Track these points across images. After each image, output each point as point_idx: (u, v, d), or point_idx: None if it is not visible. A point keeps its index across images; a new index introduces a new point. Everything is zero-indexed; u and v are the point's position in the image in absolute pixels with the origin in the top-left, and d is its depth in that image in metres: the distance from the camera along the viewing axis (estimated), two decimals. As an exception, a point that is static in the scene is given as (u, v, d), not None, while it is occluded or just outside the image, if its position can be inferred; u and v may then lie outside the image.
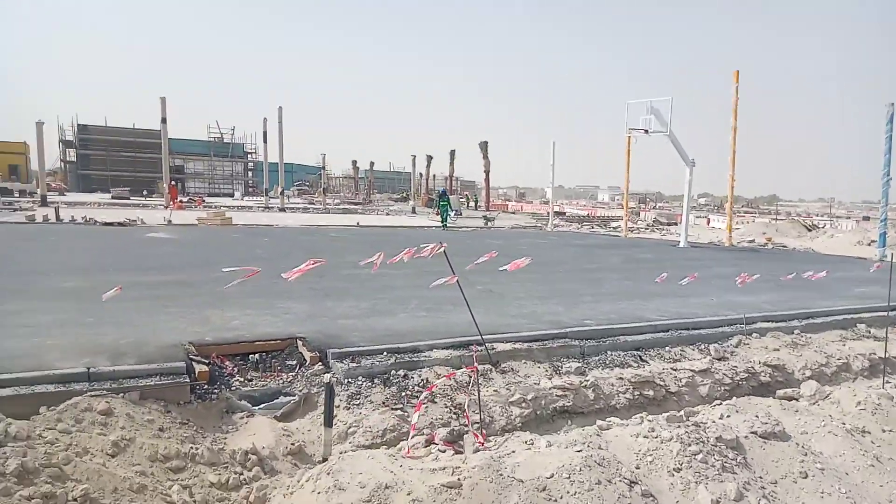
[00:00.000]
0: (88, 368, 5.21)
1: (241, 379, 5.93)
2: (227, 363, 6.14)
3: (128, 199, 44.84)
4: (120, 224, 23.04)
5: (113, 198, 45.42)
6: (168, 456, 4.41)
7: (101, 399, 4.75)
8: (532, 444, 4.21)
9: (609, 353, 7.58)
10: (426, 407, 5.60)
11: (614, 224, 38.37)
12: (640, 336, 8.13)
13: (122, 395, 4.95)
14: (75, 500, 3.57)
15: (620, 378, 6.87)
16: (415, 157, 58.86)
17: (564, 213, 51.25)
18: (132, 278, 10.45)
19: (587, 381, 6.61)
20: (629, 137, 25.15)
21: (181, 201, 40.38)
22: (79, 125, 61.29)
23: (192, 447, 4.62)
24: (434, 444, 4.57)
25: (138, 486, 3.95)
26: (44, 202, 31.90)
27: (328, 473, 3.30)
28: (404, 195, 67.79)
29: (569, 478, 3.44)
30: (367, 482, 3.15)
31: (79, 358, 5.53)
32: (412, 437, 4.63)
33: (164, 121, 36.73)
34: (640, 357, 7.62)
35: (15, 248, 15.36)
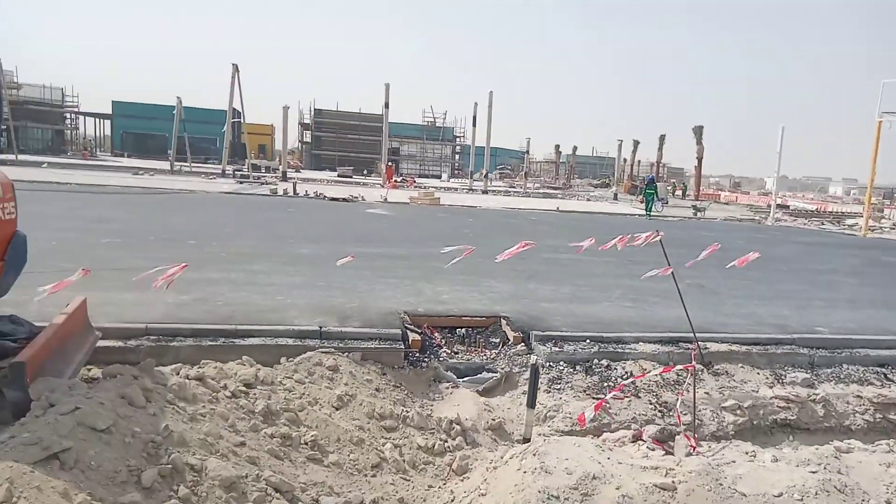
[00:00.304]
0: (320, 327, 5.83)
1: (448, 351, 6.22)
2: (435, 334, 6.47)
3: (350, 177, 49.27)
4: (344, 200, 25.42)
5: (338, 176, 50.24)
6: (383, 415, 4.78)
7: (329, 356, 5.29)
8: (755, 456, 3.83)
9: (845, 366, 6.65)
10: (629, 401, 5.39)
11: (850, 221, 33.43)
12: (886, 351, 7.02)
13: (346, 354, 5.46)
14: (306, 443, 4.02)
15: (858, 396, 6.00)
16: (621, 142, 56.67)
17: (788, 207, 45.87)
18: (355, 249, 11.45)
19: (816, 394, 5.87)
20: (880, 122, 21.65)
21: (396, 181, 43.36)
22: (315, 109, 68.53)
23: (403, 410, 4.96)
24: (642, 440, 4.39)
25: (357, 439, 4.33)
26: (284, 178, 36.31)
27: (534, 455, 3.33)
28: (606, 181, 65.74)
29: (801, 500, 3.07)
30: (573, 469, 3.12)
31: (312, 317, 6.21)
32: (616, 430, 4.49)
33: (386, 105, 39.58)
34: (886, 375, 6.58)
35: (263, 217, 17.70)
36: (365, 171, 58.46)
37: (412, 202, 27.23)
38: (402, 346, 5.86)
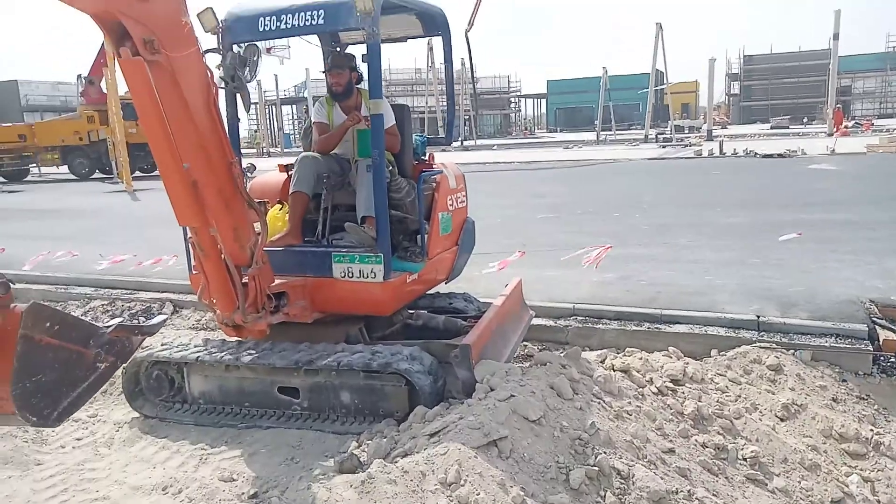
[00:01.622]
0: (758, 317, 5.08)
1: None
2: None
3: (787, 128, 43.49)
4: (779, 155, 22.44)
5: (771, 128, 44.90)
6: (844, 435, 3.87)
7: (770, 352, 4.55)
8: None
9: None
10: None
11: None
12: None
13: (792, 351, 4.62)
14: (744, 459, 3.49)
15: None
16: None
17: None
18: (793, 216, 9.89)
19: None
20: None
21: (846, 127, 36.38)
22: (745, 57, 62.55)
23: (873, 431, 3.93)
24: None
25: (810, 462, 3.58)
26: (709, 136, 34.19)
27: None
28: None
29: None
30: None
31: (747, 303, 5.48)
32: None
33: (835, 37, 33.31)
34: None
35: (686, 181, 16.90)
36: (805, 119, 50.84)
37: (870, 151, 22.38)
38: (869, 347, 4.68)
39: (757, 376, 4.37)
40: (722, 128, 49.14)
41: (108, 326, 2.58)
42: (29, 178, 28.54)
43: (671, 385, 3.99)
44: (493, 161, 26.45)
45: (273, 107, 56.46)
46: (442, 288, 5.04)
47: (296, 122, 62.37)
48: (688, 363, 4.32)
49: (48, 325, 2.25)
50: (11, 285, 2.24)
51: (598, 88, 42.29)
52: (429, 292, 4.85)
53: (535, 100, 75.53)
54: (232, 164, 3.41)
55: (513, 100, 70.64)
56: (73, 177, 27.14)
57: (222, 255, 3.47)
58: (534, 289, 5.68)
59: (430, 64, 46.06)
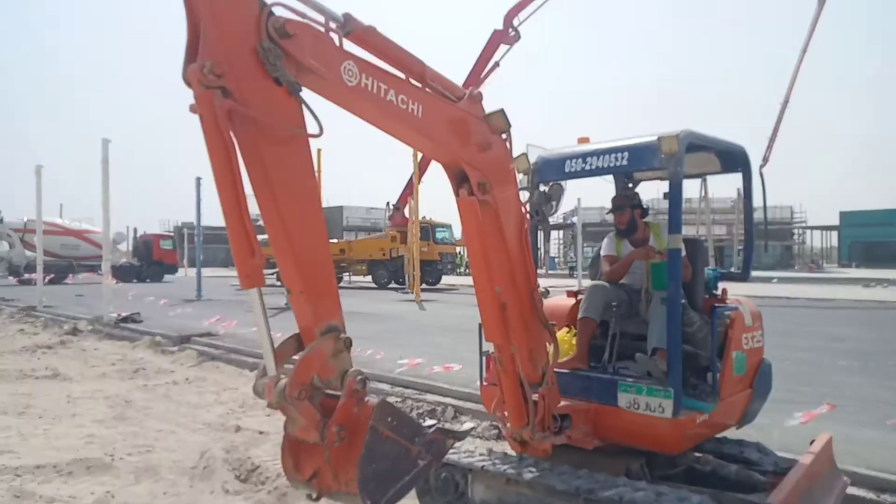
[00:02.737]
0: None
1: None
2: None
3: None
4: None
5: None
6: None
7: None
8: None
9: None
10: None
11: None
12: None
13: None
14: None
15: None
16: None
17: None
18: None
19: None
20: None
21: None
22: None
23: None
24: None
25: None
26: None
27: None
28: None
29: None
30: None
31: None
32: None
33: None
34: None
35: None
36: None
37: None
38: None
39: None
40: None
41: (430, 427, 2.90)
42: (342, 283, 33.92)
43: None
44: (772, 295, 23.97)
45: (542, 232, 59.37)
46: (731, 433, 4.64)
47: (561, 246, 64.54)
48: None
49: (390, 419, 2.62)
50: (367, 381, 2.69)
51: (904, 221, 36.43)
52: (717, 436, 4.50)
53: (824, 231, 67.70)
54: (534, 290, 3.72)
55: (796, 231, 64.30)
56: (373, 285, 31.66)
57: (519, 373, 3.71)
58: (846, 450, 4.90)
59: (703, 194, 44.63)
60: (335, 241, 34.69)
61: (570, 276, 38.57)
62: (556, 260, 53.20)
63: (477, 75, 25.35)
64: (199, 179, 23.96)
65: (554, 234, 64.95)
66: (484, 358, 4.38)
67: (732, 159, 4.78)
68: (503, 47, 25.47)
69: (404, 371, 8.35)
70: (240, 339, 11.67)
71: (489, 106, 3.36)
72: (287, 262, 2.44)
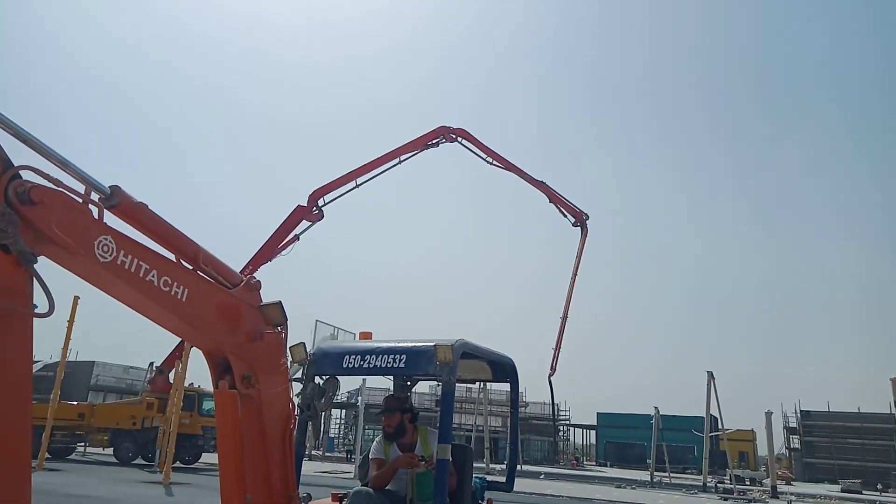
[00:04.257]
0: None
1: None
2: None
3: (860, 492, 40.08)
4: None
5: (842, 490, 41.47)
6: None
7: None
8: None
9: None
10: None
11: None
12: None
13: None
14: None
15: None
16: None
17: None
18: None
19: None
20: None
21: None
22: (801, 412, 61.23)
23: None
24: None
25: None
26: (774, 493, 31.65)
27: None
28: None
29: None
30: None
31: None
32: None
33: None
34: None
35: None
36: (879, 486, 47.04)
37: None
38: None
39: None
40: (786, 483, 45.80)
41: None
42: (73, 455, 28.46)
43: None
44: (539, 492, 24.93)
45: (323, 411, 57.11)
46: None
47: (342, 426, 62.34)
48: None
49: None
50: None
51: (649, 426, 41.41)
52: None
53: (585, 430, 74.19)
54: (292, 498, 3.36)
55: (561, 428, 69.55)
56: (114, 460, 26.85)
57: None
58: None
59: (481, 386, 46.97)
60: (74, 403, 29.57)
61: (348, 459, 37.04)
62: (335, 441, 50.90)
63: (273, 246, 24.89)
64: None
65: (336, 412, 62.92)
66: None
67: (503, 370, 5.06)
68: (305, 222, 25.63)
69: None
70: None
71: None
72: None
